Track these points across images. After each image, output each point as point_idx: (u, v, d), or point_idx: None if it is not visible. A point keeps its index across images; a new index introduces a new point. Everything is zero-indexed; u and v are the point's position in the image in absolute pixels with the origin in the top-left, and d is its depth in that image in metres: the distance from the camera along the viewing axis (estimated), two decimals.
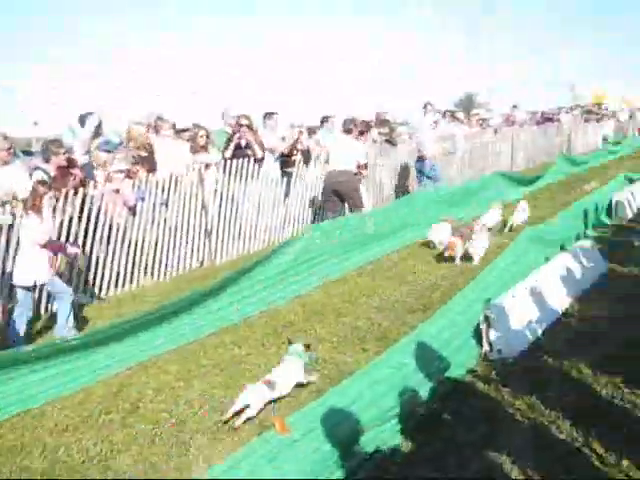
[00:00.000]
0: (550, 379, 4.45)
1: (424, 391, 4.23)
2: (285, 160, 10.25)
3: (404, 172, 13.17)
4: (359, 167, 9.65)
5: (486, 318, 4.92)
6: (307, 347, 4.87)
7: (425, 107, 13.49)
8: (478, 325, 5.01)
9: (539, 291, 5.55)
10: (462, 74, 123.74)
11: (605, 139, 25.38)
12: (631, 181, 12.12)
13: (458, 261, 7.87)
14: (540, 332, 5.27)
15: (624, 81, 50.63)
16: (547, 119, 22.65)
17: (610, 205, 10.10)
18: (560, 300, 5.84)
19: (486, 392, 4.33)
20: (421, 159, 12.18)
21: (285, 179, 10.18)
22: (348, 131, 9.62)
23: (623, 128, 28.42)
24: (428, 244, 8.82)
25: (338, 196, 9.51)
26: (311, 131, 12.26)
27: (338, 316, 6.29)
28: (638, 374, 4.28)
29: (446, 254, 7.98)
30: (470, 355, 4.89)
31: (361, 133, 9.96)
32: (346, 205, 9.63)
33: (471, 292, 5.42)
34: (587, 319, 5.58)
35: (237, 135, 9.44)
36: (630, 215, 10.15)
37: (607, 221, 9.71)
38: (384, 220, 9.06)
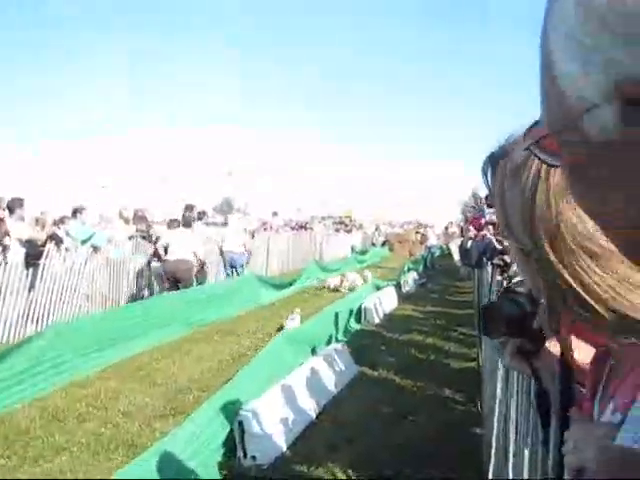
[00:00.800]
0: None
1: None
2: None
3: None
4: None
5: (239, 423, 4.76)
6: None
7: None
8: (232, 431, 4.82)
9: (293, 394, 5.54)
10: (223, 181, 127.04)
11: (353, 249, 27.31)
12: (378, 288, 12.95)
13: None
14: (294, 436, 5.22)
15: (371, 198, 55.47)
16: (301, 227, 23.84)
17: (360, 310, 10.60)
18: (313, 403, 5.88)
19: None
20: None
21: (31, 270, 9.39)
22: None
23: (370, 239, 30.91)
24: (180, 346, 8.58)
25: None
26: (60, 221, 11.53)
27: (81, 422, 5.71)
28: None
29: None
30: (225, 464, 4.66)
31: None
32: None
33: (225, 395, 5.23)
34: (340, 422, 5.66)
35: None
36: (377, 320, 10.72)
37: (356, 326, 10.13)
38: (134, 318, 8.69)
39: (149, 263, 12.17)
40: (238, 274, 14.05)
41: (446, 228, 31.53)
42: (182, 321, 9.75)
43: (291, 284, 15.13)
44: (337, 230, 27.14)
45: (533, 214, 0.70)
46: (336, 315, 9.12)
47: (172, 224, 11.48)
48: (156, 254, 11.64)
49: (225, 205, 79.62)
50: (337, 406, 6.09)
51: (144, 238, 12.55)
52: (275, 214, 21.96)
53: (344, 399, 6.30)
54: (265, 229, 19.91)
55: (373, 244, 30.69)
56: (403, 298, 13.13)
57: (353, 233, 29.17)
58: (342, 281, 15.16)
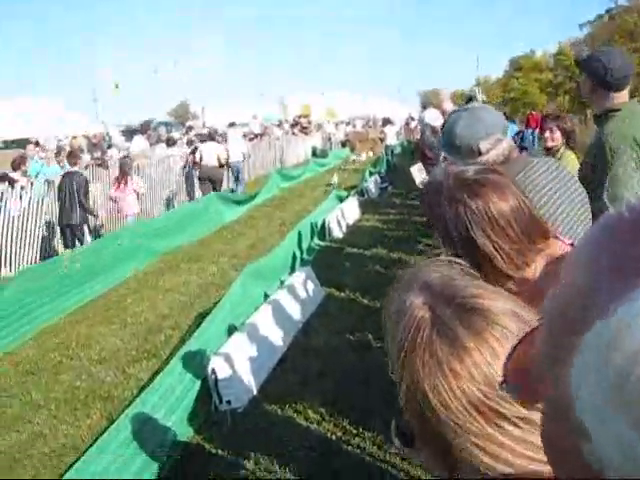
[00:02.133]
0: (277, 426, 4.53)
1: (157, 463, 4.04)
2: None
3: None
4: None
5: (212, 370, 4.87)
6: None
7: None
8: (205, 379, 4.93)
9: (262, 331, 5.63)
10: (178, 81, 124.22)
11: (314, 151, 27.10)
12: (341, 199, 12.93)
13: None
14: (267, 374, 5.36)
15: (326, 94, 54.46)
16: (257, 135, 23.50)
17: (323, 226, 10.56)
18: (283, 337, 5.99)
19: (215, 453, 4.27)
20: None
21: None
22: None
23: (329, 140, 30.59)
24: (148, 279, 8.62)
25: None
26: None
27: (56, 374, 5.79)
28: (369, 411, 4.53)
29: None
30: (201, 410, 4.80)
31: None
32: None
33: (195, 343, 5.31)
34: (310, 354, 5.81)
35: None
36: (341, 235, 10.72)
37: (321, 243, 10.16)
38: (98, 253, 8.67)
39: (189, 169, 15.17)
40: (239, 181, 16.42)
41: (407, 123, 31.32)
42: (148, 250, 9.74)
43: (253, 198, 15.09)
44: (294, 134, 26.77)
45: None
46: (299, 235, 9.13)
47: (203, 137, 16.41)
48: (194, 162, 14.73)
49: (180, 109, 77.91)
50: (307, 336, 6.20)
51: (100, 166, 12.29)
52: (232, 124, 21.51)
53: (313, 328, 6.41)
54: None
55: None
56: (366, 207, 13.17)
57: (313, 134, 28.84)
58: None
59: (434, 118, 7.13)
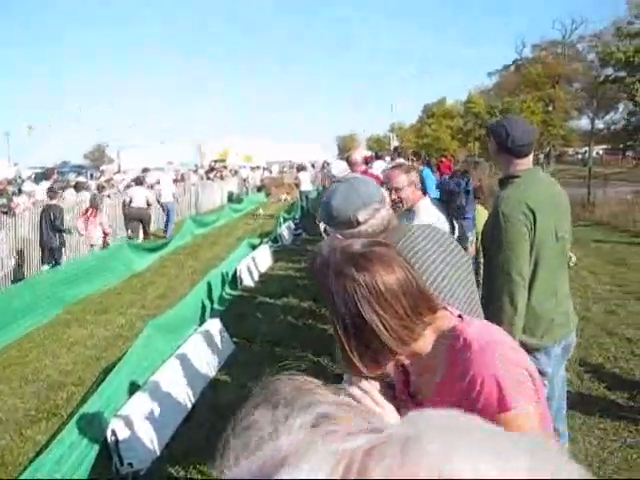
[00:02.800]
0: None
1: None
2: None
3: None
4: None
5: (112, 432, 4.74)
6: None
7: None
8: (105, 440, 4.79)
9: (166, 388, 5.53)
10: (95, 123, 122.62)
11: (230, 197, 27.10)
12: (253, 247, 12.93)
13: None
14: (171, 433, 5.25)
15: (244, 139, 54.69)
16: (175, 180, 23.36)
17: (235, 275, 10.49)
18: (189, 392, 5.89)
19: None
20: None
21: None
22: None
23: (245, 185, 30.68)
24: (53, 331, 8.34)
25: None
26: None
27: None
28: None
29: None
30: (102, 474, 4.65)
31: None
32: None
33: (96, 399, 5.16)
34: (218, 409, 5.72)
35: None
36: (253, 284, 10.68)
37: (232, 292, 10.08)
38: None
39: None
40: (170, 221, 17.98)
41: (323, 167, 31.73)
42: (54, 301, 9.45)
43: (166, 245, 14.92)
44: (210, 179, 26.76)
45: None
46: (209, 285, 9.06)
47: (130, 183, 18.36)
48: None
49: (97, 152, 76.47)
50: (214, 391, 6.13)
51: (5, 213, 11.91)
52: (145, 170, 21.32)
53: (221, 382, 6.35)
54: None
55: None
56: (279, 254, 13.23)
57: (229, 180, 28.88)
58: None
59: (341, 170, 7.28)
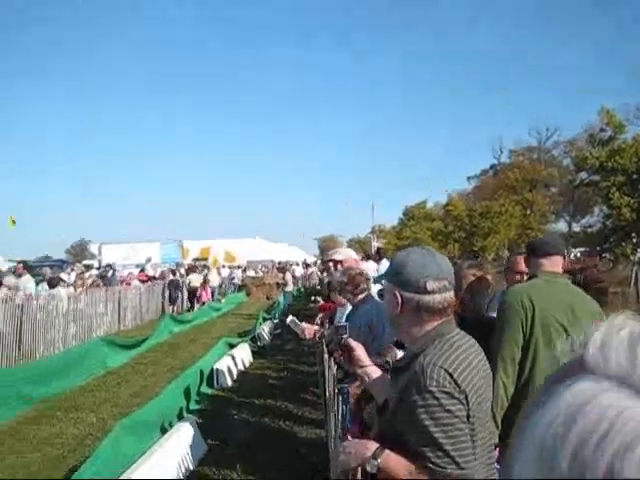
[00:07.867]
0: None
1: None
2: None
3: None
4: None
5: None
6: None
7: None
8: None
9: None
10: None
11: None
12: (231, 346, 12.73)
13: None
14: None
15: (227, 238, 55.02)
16: (153, 278, 23.31)
17: (211, 374, 10.26)
18: None
19: None
20: None
21: None
22: None
23: (224, 284, 30.63)
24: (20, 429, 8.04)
25: None
26: None
27: None
28: None
29: None
30: None
31: None
32: None
33: None
34: None
35: None
36: (230, 383, 10.45)
37: (208, 391, 9.85)
38: None
39: None
40: None
41: (306, 266, 31.96)
42: (22, 398, 9.17)
43: (143, 342, 14.68)
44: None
45: None
46: (184, 384, 8.84)
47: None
48: None
49: (78, 247, 76.47)
50: None
51: None
52: (108, 266, 21.34)
53: None
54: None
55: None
56: (258, 353, 13.07)
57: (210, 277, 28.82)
58: None
59: (345, 254, 7.21)
